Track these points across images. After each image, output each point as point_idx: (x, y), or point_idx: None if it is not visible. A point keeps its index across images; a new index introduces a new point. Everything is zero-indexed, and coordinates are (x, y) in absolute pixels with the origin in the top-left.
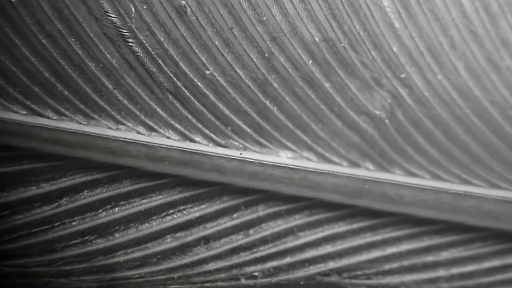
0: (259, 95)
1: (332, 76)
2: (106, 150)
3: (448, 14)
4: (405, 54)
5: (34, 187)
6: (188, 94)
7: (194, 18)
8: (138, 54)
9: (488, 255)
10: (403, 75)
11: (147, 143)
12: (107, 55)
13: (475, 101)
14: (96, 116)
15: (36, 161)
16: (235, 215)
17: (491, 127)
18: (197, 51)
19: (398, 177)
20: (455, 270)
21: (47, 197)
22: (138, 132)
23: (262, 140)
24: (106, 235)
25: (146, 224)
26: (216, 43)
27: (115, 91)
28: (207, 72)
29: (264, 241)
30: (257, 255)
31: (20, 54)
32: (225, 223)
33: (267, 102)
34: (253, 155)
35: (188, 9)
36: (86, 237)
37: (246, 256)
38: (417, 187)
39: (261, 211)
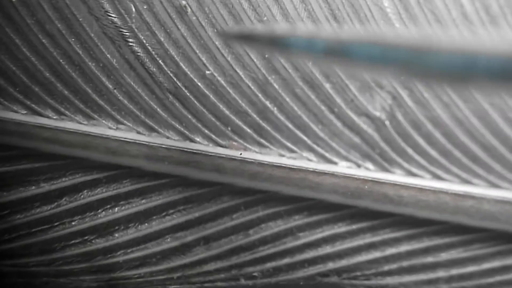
0: (259, 95)
1: (332, 77)
2: (106, 150)
3: (448, 15)
4: None
5: (33, 187)
6: (188, 94)
7: (194, 18)
8: (139, 54)
9: (487, 256)
10: (403, 76)
11: (147, 143)
12: (107, 55)
13: (475, 102)
14: (96, 116)
15: (36, 160)
16: (234, 215)
17: (491, 129)
18: (198, 51)
19: (398, 178)
20: (454, 271)
21: (46, 196)
22: (138, 132)
23: (262, 140)
24: (105, 235)
25: (146, 224)
26: (217, 43)
27: (115, 91)
28: (207, 72)
29: (263, 241)
30: (257, 255)
31: (20, 53)
32: (224, 223)
33: (267, 103)
34: (253, 155)
35: (189, 9)
36: (86, 237)
37: (245, 257)
38: (417, 187)
39: (261, 211)
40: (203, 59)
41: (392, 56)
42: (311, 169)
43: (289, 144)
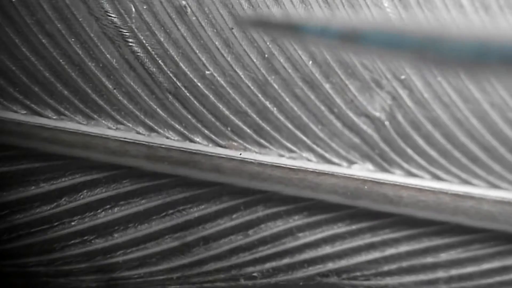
0: (259, 95)
1: (332, 77)
2: (105, 150)
3: (448, 15)
4: None
5: (33, 187)
6: (188, 94)
7: (194, 18)
8: (138, 54)
9: (487, 256)
10: (403, 77)
11: (146, 143)
12: (107, 55)
13: (474, 103)
14: (95, 116)
15: (36, 160)
16: (234, 216)
17: (490, 129)
18: (197, 51)
19: (398, 178)
20: (454, 272)
21: (46, 196)
22: (138, 132)
23: (262, 140)
24: (105, 235)
25: (146, 224)
26: (216, 43)
27: (115, 91)
28: (207, 72)
29: (263, 241)
30: (256, 255)
31: (20, 53)
32: (224, 223)
33: (267, 103)
34: (253, 155)
35: (189, 9)
36: (85, 237)
37: (245, 257)
38: (417, 187)
39: (261, 211)
40: (203, 59)
41: (406, 43)
42: (311, 169)
43: (288, 144)
